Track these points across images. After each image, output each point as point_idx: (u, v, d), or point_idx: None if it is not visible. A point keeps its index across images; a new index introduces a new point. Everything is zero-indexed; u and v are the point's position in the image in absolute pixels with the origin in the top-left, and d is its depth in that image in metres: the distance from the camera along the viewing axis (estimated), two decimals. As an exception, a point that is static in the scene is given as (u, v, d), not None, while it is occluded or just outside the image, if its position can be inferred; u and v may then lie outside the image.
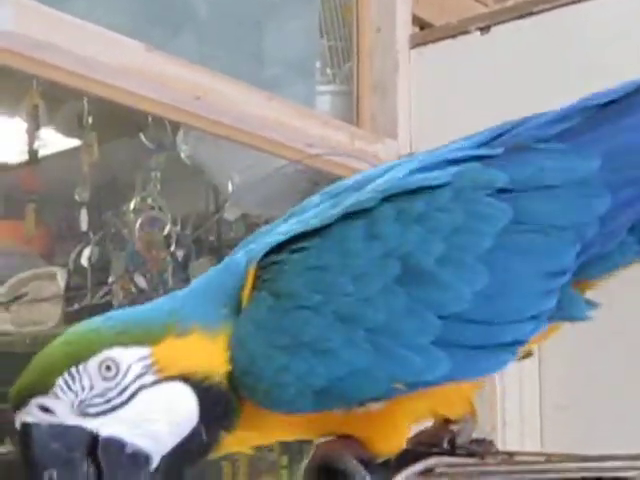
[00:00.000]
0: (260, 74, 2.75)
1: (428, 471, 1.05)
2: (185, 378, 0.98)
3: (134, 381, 0.97)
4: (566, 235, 1.01)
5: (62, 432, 0.94)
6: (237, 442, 1.03)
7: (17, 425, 0.95)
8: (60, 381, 0.95)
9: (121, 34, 2.21)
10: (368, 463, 1.02)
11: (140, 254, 3.37)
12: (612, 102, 1.06)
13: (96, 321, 1.01)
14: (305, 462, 1.07)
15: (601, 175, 1.03)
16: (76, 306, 3.56)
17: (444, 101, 2.88)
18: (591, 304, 1.06)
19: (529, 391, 2.68)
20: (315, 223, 1.03)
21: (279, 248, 1.02)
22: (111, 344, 0.97)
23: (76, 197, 3.45)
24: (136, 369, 0.97)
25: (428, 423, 1.12)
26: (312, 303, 0.98)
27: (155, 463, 0.97)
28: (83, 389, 0.95)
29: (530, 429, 2.66)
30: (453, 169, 1.04)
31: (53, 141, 3.67)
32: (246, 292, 1.01)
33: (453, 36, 2.89)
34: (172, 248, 3.34)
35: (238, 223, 4.01)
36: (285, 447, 4.92)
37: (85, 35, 2.12)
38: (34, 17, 2.02)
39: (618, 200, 1.02)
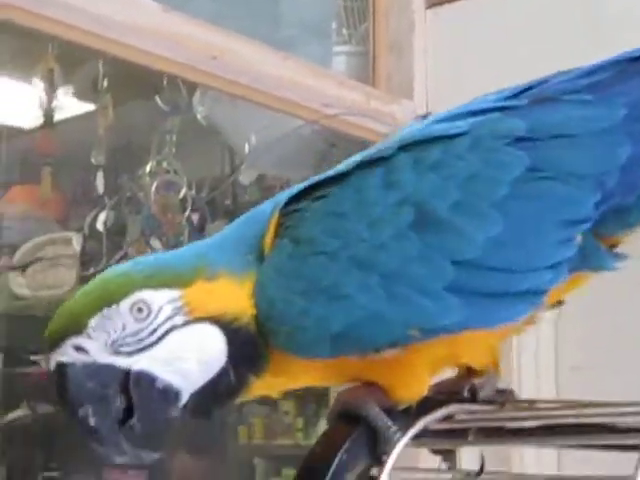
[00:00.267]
0: (276, 35, 2.75)
1: (448, 418, 1.05)
2: (214, 320, 1.00)
3: (165, 322, 0.99)
4: (586, 183, 1.00)
5: (96, 370, 0.97)
6: (266, 387, 1.05)
7: (52, 366, 0.98)
8: (93, 322, 0.97)
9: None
10: (390, 411, 1.03)
11: (156, 218, 3.37)
12: None
13: (125, 266, 1.04)
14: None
15: (625, 124, 1.02)
16: (92, 270, 3.57)
17: (460, 61, 2.87)
18: (618, 255, 1.06)
19: (545, 352, 2.69)
20: (335, 171, 1.04)
21: (301, 196, 1.04)
22: (141, 287, 0.99)
23: (92, 160, 3.45)
24: (167, 310, 0.99)
25: (450, 373, 1.12)
26: (329, 249, 0.99)
27: (184, 400, 0.99)
28: (115, 329, 0.98)
29: (546, 390, 2.67)
30: (474, 119, 1.04)
31: (69, 105, 3.68)
32: (268, 239, 1.03)
33: (469, -5, 2.89)
34: (188, 212, 3.34)
35: (253, 187, 4.02)
36: (300, 410, 4.95)
37: (101, -6, 2.12)
38: (49, -25, 2.02)
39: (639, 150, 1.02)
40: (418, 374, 1.05)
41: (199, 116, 3.22)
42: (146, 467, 4.18)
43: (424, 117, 1.18)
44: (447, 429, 1.06)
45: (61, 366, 0.97)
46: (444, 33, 2.92)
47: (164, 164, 3.33)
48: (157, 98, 3.29)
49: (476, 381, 1.09)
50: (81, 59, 3.37)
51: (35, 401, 4.11)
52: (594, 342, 2.60)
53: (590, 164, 1.01)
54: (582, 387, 2.60)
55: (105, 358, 0.97)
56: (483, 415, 1.08)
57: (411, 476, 1.13)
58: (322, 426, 4.20)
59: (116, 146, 3.56)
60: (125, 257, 3.52)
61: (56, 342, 0.97)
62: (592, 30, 2.58)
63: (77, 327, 0.97)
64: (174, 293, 0.99)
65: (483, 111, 1.05)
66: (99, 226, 3.68)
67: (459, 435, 1.07)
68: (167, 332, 0.99)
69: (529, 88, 1.08)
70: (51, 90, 3.43)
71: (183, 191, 3.30)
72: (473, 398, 1.09)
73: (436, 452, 1.15)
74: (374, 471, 1.01)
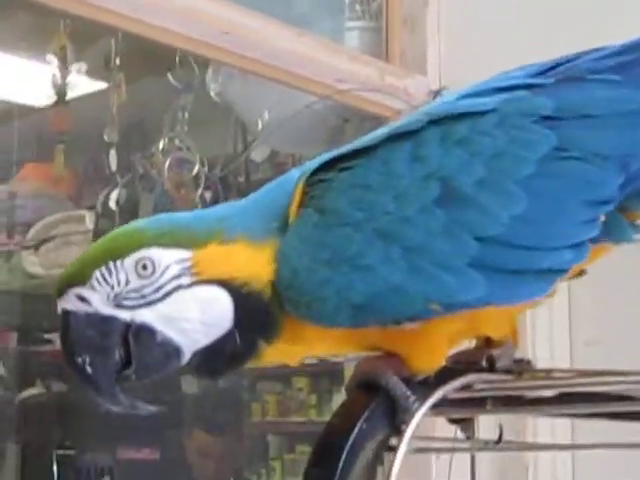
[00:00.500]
0: (289, 11, 2.74)
1: (466, 387, 1.06)
2: (223, 283, 1.00)
3: (170, 281, 1.00)
4: (610, 164, 1.00)
5: (97, 321, 0.99)
6: (279, 354, 1.05)
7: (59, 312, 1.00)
8: (97, 274, 0.99)
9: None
10: (408, 381, 1.03)
11: (169, 195, 3.38)
12: None
13: (143, 222, 1.05)
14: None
15: None
16: (105, 248, 3.58)
17: (474, 36, 2.86)
18: (638, 228, 1.07)
19: (559, 327, 2.69)
20: (363, 142, 1.04)
21: (328, 166, 1.04)
22: (150, 244, 1.00)
23: (105, 138, 3.45)
24: (174, 270, 1.00)
25: (468, 344, 1.13)
26: (354, 220, 0.99)
27: (186, 357, 1.01)
28: (119, 283, 0.99)
29: (560, 365, 2.67)
30: (501, 96, 1.04)
31: (81, 82, 3.68)
32: (294, 208, 1.03)
33: (483, -30, 2.87)
34: (200, 189, 3.34)
35: (265, 164, 4.02)
36: (314, 387, 4.97)
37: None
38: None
39: None
40: (437, 345, 1.05)
41: (212, 93, 3.22)
42: (160, 444, 4.20)
43: (438, 92, 1.18)
44: (465, 398, 1.07)
45: (65, 314, 0.99)
46: (457, 8, 2.91)
47: (177, 141, 3.33)
48: (169, 75, 3.29)
49: (494, 351, 1.10)
50: (93, 36, 3.37)
51: (49, 379, 4.13)
52: (608, 317, 2.60)
53: (615, 145, 1.01)
54: (596, 362, 2.59)
55: (107, 310, 0.99)
56: (501, 384, 1.08)
57: (430, 445, 1.13)
58: (335, 403, 4.21)
59: (129, 123, 3.56)
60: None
61: (62, 290, 0.99)
62: (608, 5, 2.56)
63: (82, 278, 0.99)
64: (184, 253, 1.00)
65: (510, 88, 1.05)
66: (112, 204, 3.68)
67: (477, 404, 1.08)
68: (172, 291, 1.00)
69: (556, 66, 1.08)
70: (64, 68, 3.43)
71: (196, 168, 3.30)
72: (491, 368, 1.10)
73: (454, 422, 1.16)
74: (393, 441, 1.02)
